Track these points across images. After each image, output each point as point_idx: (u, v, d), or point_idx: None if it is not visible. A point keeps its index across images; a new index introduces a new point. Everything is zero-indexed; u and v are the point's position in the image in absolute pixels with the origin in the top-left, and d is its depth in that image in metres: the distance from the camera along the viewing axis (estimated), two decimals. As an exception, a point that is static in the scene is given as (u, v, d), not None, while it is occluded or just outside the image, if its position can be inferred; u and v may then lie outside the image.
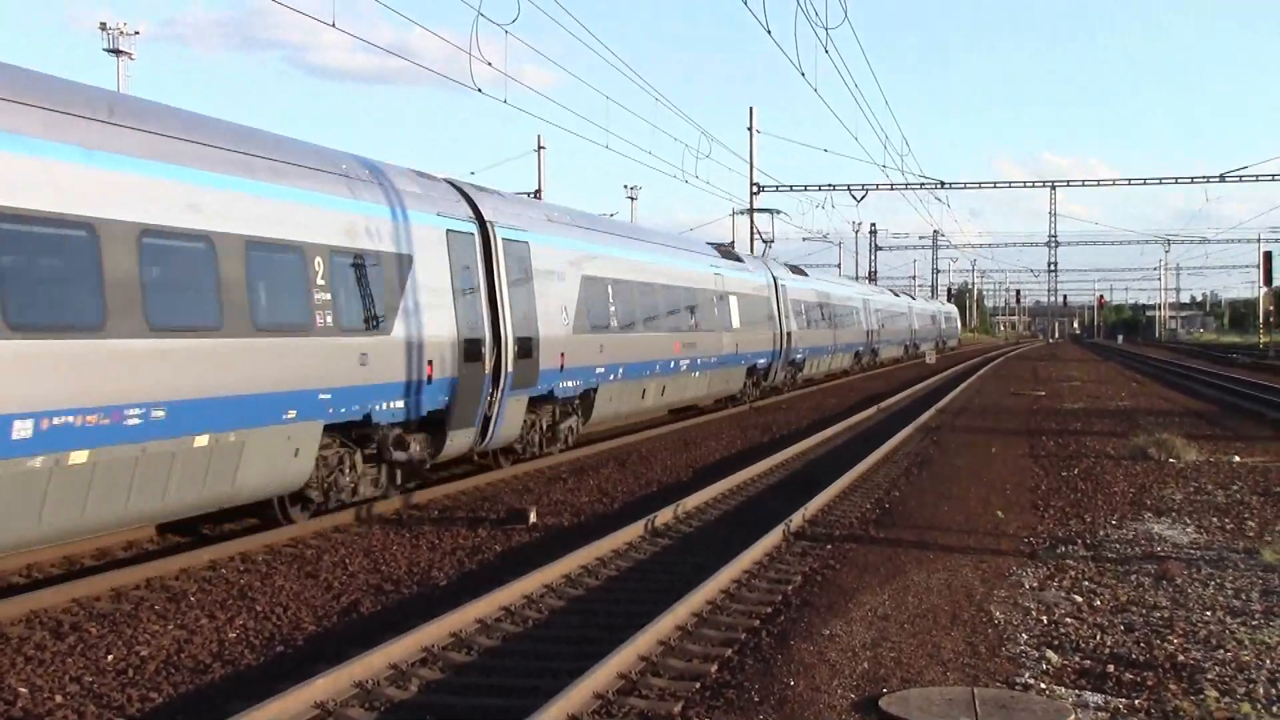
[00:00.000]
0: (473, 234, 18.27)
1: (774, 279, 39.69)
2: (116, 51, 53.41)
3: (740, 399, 35.58)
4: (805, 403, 37.78)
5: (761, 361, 36.72)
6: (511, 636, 10.05)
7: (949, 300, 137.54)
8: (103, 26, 53.87)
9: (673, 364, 27.42)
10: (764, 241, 24.94)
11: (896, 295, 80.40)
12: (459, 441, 17.68)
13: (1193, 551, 13.57)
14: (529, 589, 11.24)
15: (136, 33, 54.39)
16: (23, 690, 8.74)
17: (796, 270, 45.12)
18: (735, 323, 33.31)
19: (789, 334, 40.16)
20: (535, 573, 11.59)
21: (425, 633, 9.45)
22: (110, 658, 9.53)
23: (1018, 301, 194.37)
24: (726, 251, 36.92)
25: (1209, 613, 10.76)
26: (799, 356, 42.29)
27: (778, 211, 49.50)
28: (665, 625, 9.74)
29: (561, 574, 11.96)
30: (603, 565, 12.69)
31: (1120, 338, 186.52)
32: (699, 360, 29.40)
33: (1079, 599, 11.26)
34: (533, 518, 15.41)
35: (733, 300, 33.51)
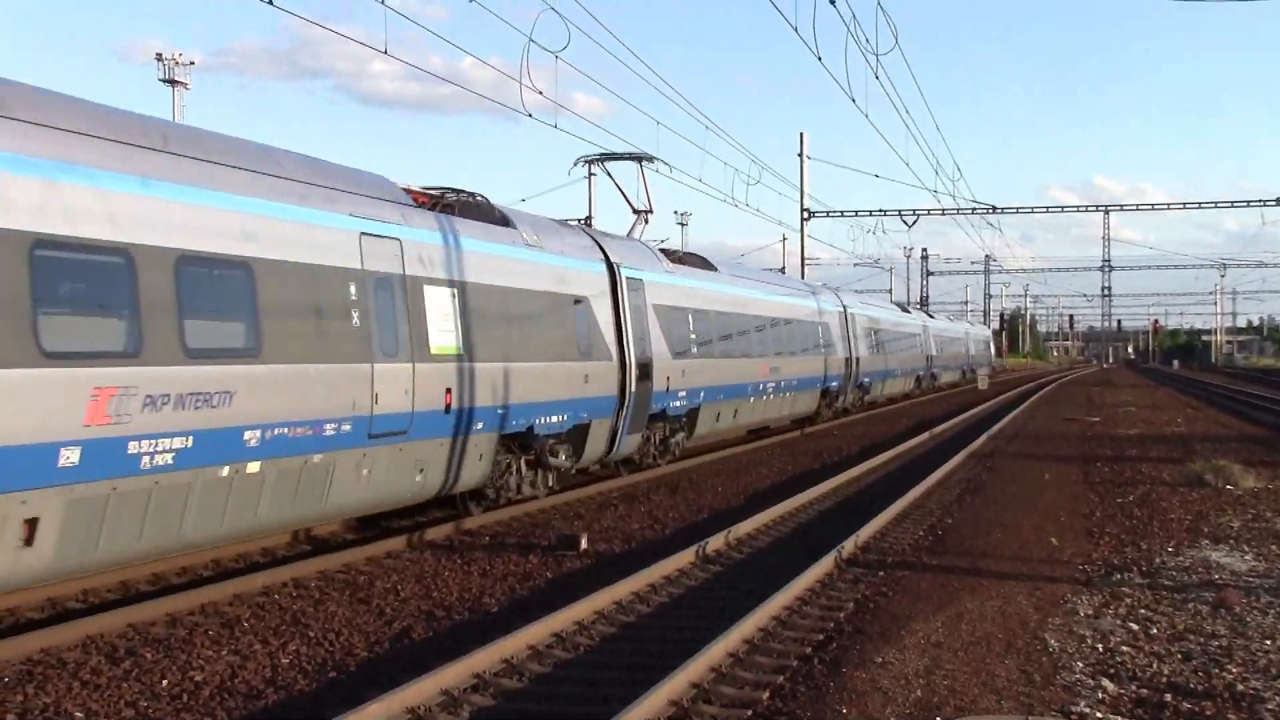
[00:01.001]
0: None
1: (844, 307, 42.52)
2: (172, 82, 54.14)
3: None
4: (855, 429, 37.62)
5: (834, 384, 39.31)
6: (564, 663, 10.05)
7: (1001, 326, 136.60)
8: (159, 57, 54.74)
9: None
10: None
11: (949, 320, 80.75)
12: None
13: (1251, 579, 13.39)
14: (581, 615, 11.24)
15: (192, 63, 55.26)
16: (79, 715, 8.82)
17: (863, 299, 48.34)
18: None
19: (857, 359, 42.86)
20: (587, 599, 11.59)
21: (477, 659, 9.46)
22: (165, 683, 9.60)
23: (1070, 326, 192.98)
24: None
25: (1269, 641, 10.61)
26: (866, 380, 45.00)
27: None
28: (718, 652, 9.71)
29: (613, 600, 11.95)
30: (654, 592, 12.68)
31: (1175, 363, 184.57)
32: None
33: (1135, 627, 11.14)
34: (584, 544, 15.41)
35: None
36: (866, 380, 44.96)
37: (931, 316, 72.87)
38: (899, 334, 53.77)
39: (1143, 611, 11.79)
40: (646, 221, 26.67)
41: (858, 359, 42.84)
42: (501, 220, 18.40)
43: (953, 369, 73.60)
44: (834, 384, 39.15)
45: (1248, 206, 59.54)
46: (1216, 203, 61.17)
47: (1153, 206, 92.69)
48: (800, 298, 36.65)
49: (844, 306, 42.36)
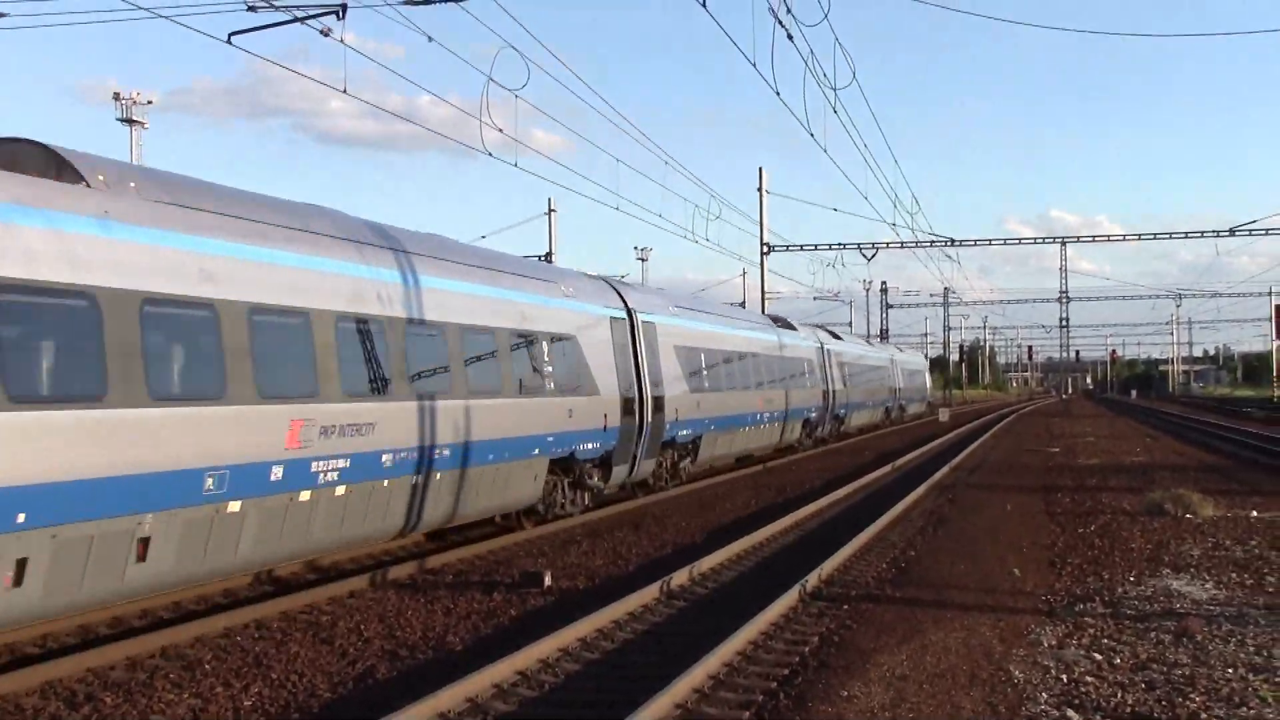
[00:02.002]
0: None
1: (821, 343, 46.29)
2: (130, 121, 53.87)
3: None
4: (818, 463, 37.70)
5: (813, 415, 43.27)
6: (528, 701, 10.00)
7: (960, 357, 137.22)
8: (116, 97, 54.38)
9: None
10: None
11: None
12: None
13: (1213, 608, 13.48)
14: (545, 653, 11.20)
15: (150, 102, 54.92)
16: (38, 761, 8.69)
17: (835, 335, 50.08)
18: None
19: (834, 391, 46.77)
20: (551, 636, 11.55)
21: (440, 699, 9.41)
22: (125, 727, 9.49)
23: (1030, 358, 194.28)
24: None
25: (1231, 670, 10.67)
26: (841, 411, 48.66)
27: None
28: (681, 689, 9.69)
29: (577, 638, 11.91)
30: (619, 629, 12.64)
31: (1134, 393, 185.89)
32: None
33: (1099, 657, 11.19)
34: (548, 581, 15.36)
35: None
36: (842, 411, 48.73)
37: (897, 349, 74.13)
38: (870, 368, 57.93)
39: (1106, 641, 11.84)
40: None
41: (834, 391, 46.73)
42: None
43: (917, 400, 76.50)
44: (813, 415, 43.12)
45: (1201, 237, 60.06)
46: (1171, 234, 62.19)
47: (1109, 238, 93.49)
48: (784, 335, 40.37)
49: (820, 342, 46.38)
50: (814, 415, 43.41)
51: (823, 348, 46.36)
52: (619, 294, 24.92)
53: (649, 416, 24.61)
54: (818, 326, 50.64)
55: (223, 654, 11.86)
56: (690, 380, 27.76)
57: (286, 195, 15.66)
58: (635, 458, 24.29)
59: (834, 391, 46.78)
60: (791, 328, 43.88)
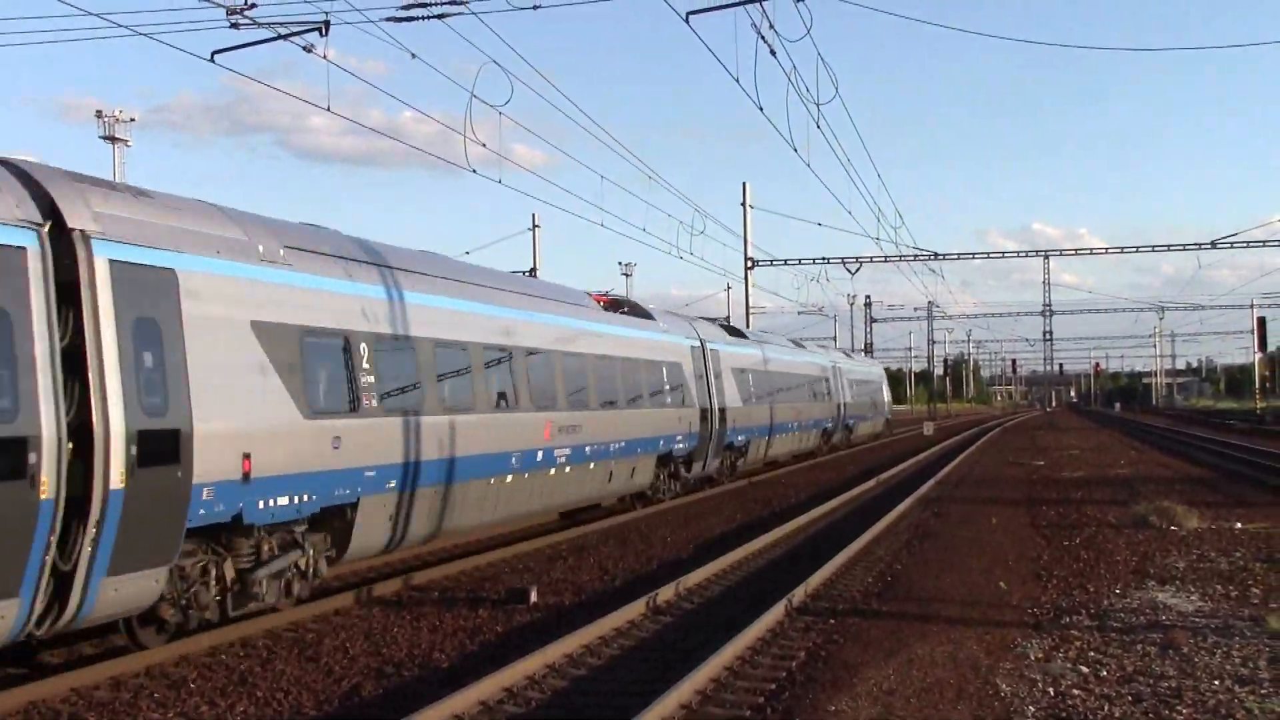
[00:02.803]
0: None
1: (833, 363, 51.75)
2: (113, 139, 53.77)
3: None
4: (803, 477, 37.71)
5: (829, 425, 49.04)
6: (514, 717, 9.97)
7: (945, 371, 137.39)
8: (99, 114, 54.29)
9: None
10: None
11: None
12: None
13: (1198, 620, 13.50)
14: (531, 669, 11.17)
15: (132, 120, 54.77)
16: (22, 782, 8.64)
17: (737, 332, 39.76)
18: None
19: (845, 404, 52.38)
20: (537, 653, 11.52)
21: (427, 716, 9.37)
22: (110, 747, 9.43)
23: (1014, 371, 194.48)
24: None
25: (1217, 682, 10.69)
26: (850, 422, 53.52)
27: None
28: (669, 704, 9.67)
29: (563, 653, 11.89)
30: (605, 644, 12.62)
31: (1117, 405, 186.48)
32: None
33: (1085, 670, 11.19)
34: (534, 597, 15.34)
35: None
36: (850, 422, 53.79)
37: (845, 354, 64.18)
38: (861, 380, 60.52)
39: (1092, 654, 11.85)
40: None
41: (845, 404, 52.07)
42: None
43: (868, 420, 61.87)
44: (829, 425, 48.87)
45: (1184, 250, 60.34)
46: (1154, 246, 62.32)
47: (1091, 251, 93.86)
48: (805, 355, 47.39)
49: (833, 363, 51.61)
50: (830, 425, 48.76)
51: (835, 366, 50.80)
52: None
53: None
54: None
55: (208, 672, 11.81)
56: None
57: (269, 212, 15.67)
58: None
59: (845, 404, 51.18)
60: (808, 347, 50.59)
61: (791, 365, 42.58)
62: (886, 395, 69.34)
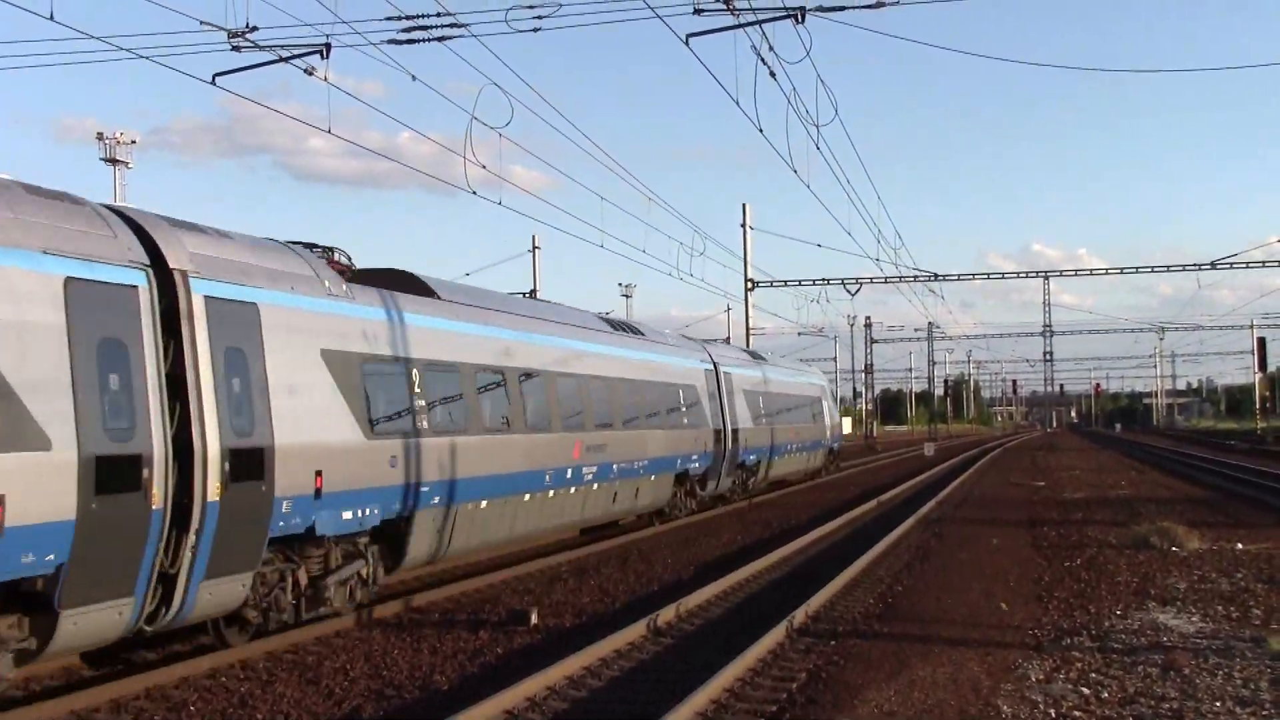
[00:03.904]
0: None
1: (824, 384, 51.01)
2: (114, 161, 53.83)
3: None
4: (802, 498, 37.69)
5: (834, 446, 50.77)
6: (515, 740, 9.94)
7: (945, 392, 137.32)
8: (100, 137, 54.31)
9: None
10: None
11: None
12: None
13: (1199, 641, 13.48)
14: (532, 691, 11.16)
15: (133, 142, 54.81)
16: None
17: (746, 355, 39.74)
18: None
19: (835, 425, 51.68)
20: (538, 674, 11.51)
21: (428, 738, 9.35)
22: (110, 770, 9.42)
23: (1014, 392, 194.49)
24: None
25: (1218, 703, 10.68)
26: (834, 445, 50.96)
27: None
28: (670, 726, 9.65)
29: (564, 675, 11.88)
30: (605, 666, 12.61)
31: (1118, 426, 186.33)
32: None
33: (1086, 691, 11.18)
34: (534, 619, 15.32)
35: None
36: (751, 457, 46.15)
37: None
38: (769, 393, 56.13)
39: (1093, 675, 11.84)
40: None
41: (736, 429, 46.86)
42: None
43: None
44: (834, 446, 50.55)
45: (1183, 270, 60.46)
46: (1154, 267, 62.45)
47: (1091, 271, 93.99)
48: (806, 376, 47.62)
49: (824, 384, 51.21)
50: (835, 446, 50.18)
51: (825, 387, 51.05)
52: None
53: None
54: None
55: (208, 695, 11.80)
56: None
57: (267, 233, 15.76)
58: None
59: (730, 432, 42.09)
60: (805, 370, 49.78)
61: (787, 385, 42.26)
62: (832, 416, 50.93)
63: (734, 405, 32.78)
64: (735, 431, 32.40)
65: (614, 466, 23.53)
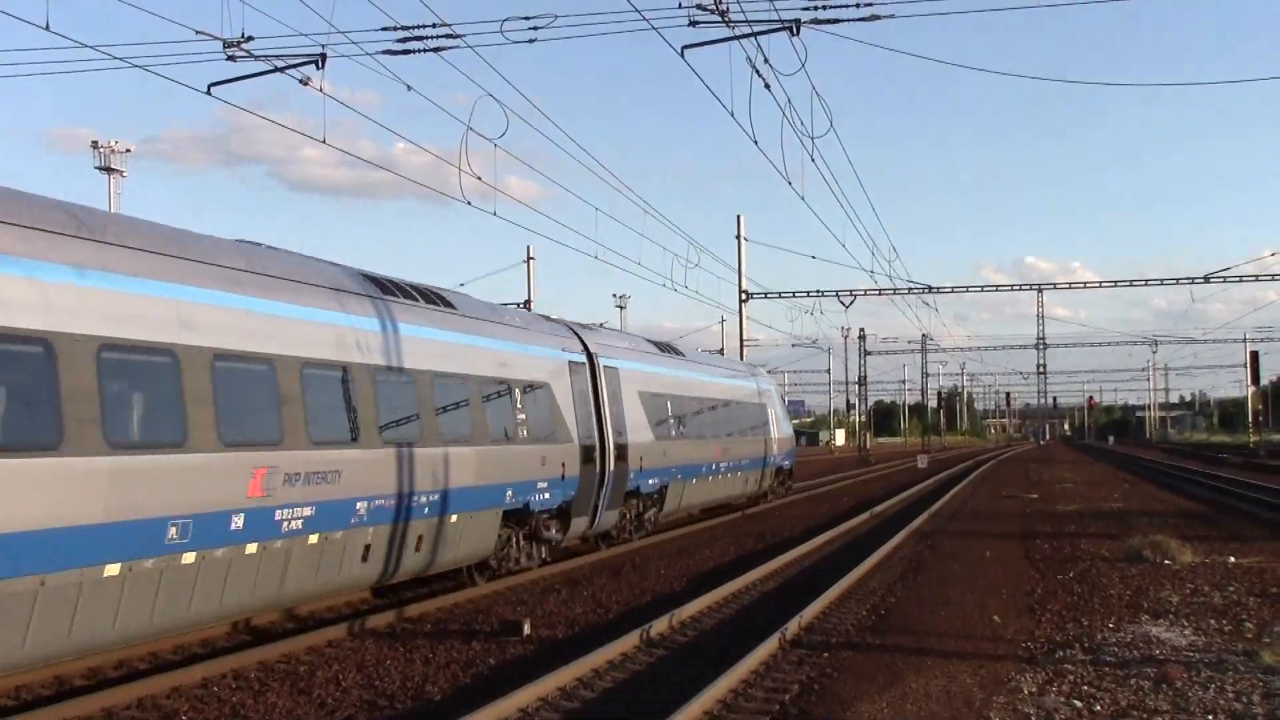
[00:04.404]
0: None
1: (772, 387, 41.91)
2: (108, 170, 53.77)
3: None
4: (796, 510, 37.66)
5: (785, 463, 41.18)
6: (507, 751, 9.92)
7: (939, 404, 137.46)
8: (94, 145, 54.21)
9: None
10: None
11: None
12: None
13: (1192, 654, 13.49)
14: (525, 702, 11.14)
15: (128, 150, 54.75)
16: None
17: (651, 346, 30.38)
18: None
19: (778, 439, 40.05)
20: (530, 686, 11.49)
21: (420, 749, 9.31)
22: (101, 779, 9.39)
23: (1008, 404, 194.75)
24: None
25: (1210, 717, 10.68)
26: (787, 464, 41.42)
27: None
28: (663, 737, 9.62)
29: (556, 686, 11.86)
30: (598, 677, 12.59)
31: (1111, 439, 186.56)
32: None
33: (1079, 704, 11.18)
34: (527, 629, 15.31)
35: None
36: (786, 464, 41.21)
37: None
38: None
39: (1086, 688, 11.84)
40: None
41: (785, 438, 41.45)
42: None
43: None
44: (784, 464, 40.62)
45: (1177, 284, 60.63)
46: (1147, 280, 62.27)
47: (1085, 285, 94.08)
48: (743, 379, 37.81)
49: (771, 387, 41.62)
50: (787, 463, 40.91)
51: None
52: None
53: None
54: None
55: (200, 704, 11.77)
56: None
57: (260, 241, 15.65)
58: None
59: (612, 449, 27.72)
60: (751, 373, 40.15)
61: (714, 388, 33.17)
62: (781, 427, 40.94)
63: (622, 412, 24.66)
64: (622, 447, 24.26)
65: (357, 508, 14.97)
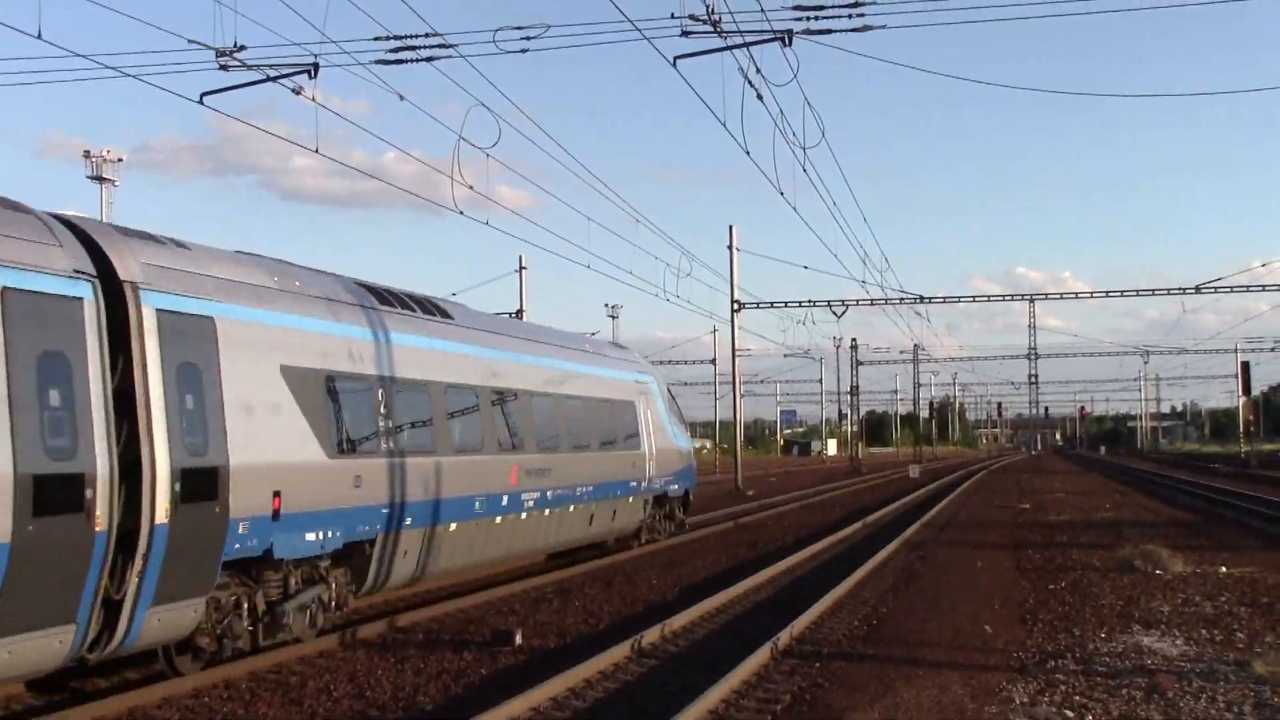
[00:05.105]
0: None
1: (651, 377, 29.61)
2: (100, 179, 53.71)
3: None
4: (789, 519, 37.66)
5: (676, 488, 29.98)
6: (499, 762, 9.90)
7: (931, 414, 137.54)
8: (86, 154, 54.16)
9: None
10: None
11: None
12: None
13: (1183, 664, 13.50)
14: (516, 712, 11.12)
15: (120, 159, 54.68)
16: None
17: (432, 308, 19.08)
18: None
19: (653, 453, 28.09)
20: (522, 696, 11.48)
21: (411, 759, 9.28)
22: (91, 790, 9.34)
23: (999, 414, 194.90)
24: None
25: (1202, 726, 10.68)
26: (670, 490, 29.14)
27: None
28: (655, 748, 9.60)
29: (548, 697, 11.84)
30: (590, 687, 12.57)
31: (1103, 449, 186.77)
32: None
33: (1071, 714, 11.18)
34: (518, 639, 15.28)
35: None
36: (682, 488, 30.16)
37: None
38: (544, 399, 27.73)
39: (1078, 698, 11.84)
40: None
41: (676, 452, 30.01)
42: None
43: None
44: (676, 488, 29.64)
45: (1168, 294, 60.73)
46: (1138, 291, 62.39)
47: (1076, 295, 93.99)
48: (597, 366, 26.07)
49: (650, 380, 28.96)
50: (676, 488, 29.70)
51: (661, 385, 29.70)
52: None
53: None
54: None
55: (191, 715, 11.74)
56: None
57: (250, 250, 15.51)
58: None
59: (653, 452, 27.81)
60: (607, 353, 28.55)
61: (532, 373, 21.65)
62: (667, 435, 29.11)
63: (249, 412, 13.17)
64: (217, 471, 12.46)
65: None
